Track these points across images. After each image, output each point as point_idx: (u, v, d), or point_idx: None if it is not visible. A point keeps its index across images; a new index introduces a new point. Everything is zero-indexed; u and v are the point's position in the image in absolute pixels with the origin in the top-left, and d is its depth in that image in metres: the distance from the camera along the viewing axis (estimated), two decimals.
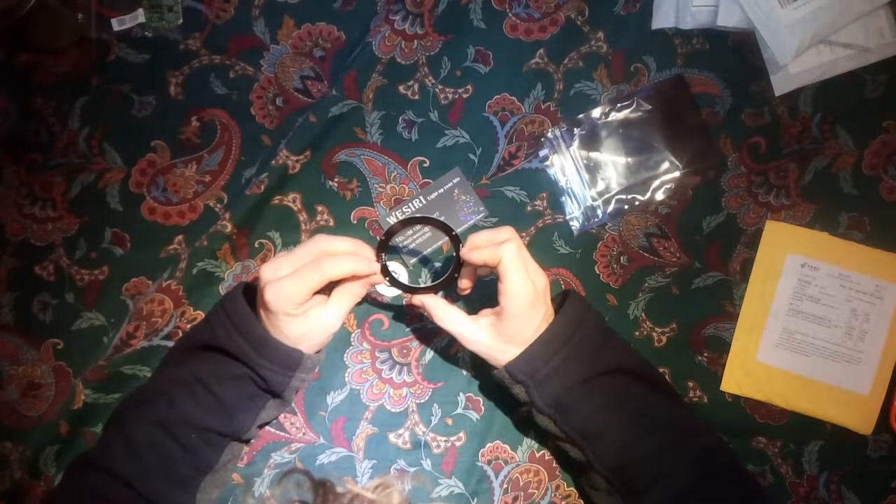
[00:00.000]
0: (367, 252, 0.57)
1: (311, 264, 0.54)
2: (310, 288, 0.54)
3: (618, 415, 0.56)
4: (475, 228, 0.67)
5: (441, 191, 0.68)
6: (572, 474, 0.65)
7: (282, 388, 0.56)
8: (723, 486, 0.55)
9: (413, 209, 0.67)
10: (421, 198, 0.68)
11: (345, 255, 0.55)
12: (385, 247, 0.57)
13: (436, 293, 0.59)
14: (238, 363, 0.55)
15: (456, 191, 0.68)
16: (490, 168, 0.68)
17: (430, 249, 0.67)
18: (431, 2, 0.69)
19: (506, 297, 0.55)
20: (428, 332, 0.66)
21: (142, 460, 0.53)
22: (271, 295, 0.53)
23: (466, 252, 0.57)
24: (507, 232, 0.57)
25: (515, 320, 0.55)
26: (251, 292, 0.58)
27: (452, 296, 0.64)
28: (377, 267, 0.56)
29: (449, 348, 0.66)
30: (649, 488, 0.55)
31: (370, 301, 0.66)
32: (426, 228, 0.67)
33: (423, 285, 0.59)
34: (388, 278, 0.58)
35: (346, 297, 0.57)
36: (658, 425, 0.56)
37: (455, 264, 0.58)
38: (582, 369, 0.56)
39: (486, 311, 0.59)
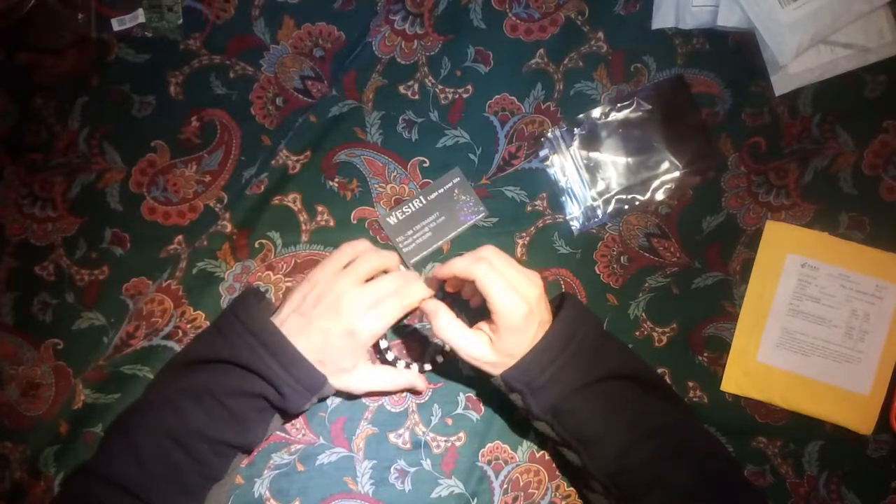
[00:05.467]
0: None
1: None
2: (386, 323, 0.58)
3: (615, 421, 0.55)
4: (475, 228, 0.67)
5: (441, 191, 0.68)
6: (571, 476, 0.65)
7: (297, 408, 0.56)
8: (719, 494, 0.55)
9: (413, 209, 0.67)
10: (421, 198, 0.68)
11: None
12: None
13: (418, 382, 0.63)
14: (255, 378, 0.55)
15: (456, 191, 0.68)
16: (490, 168, 0.68)
17: (430, 249, 0.67)
18: (431, 2, 0.69)
19: (497, 314, 0.55)
20: (428, 331, 0.66)
21: (150, 471, 0.53)
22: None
23: (439, 269, 0.58)
24: (484, 250, 0.57)
25: (512, 334, 0.55)
26: (251, 297, 0.59)
27: (457, 308, 0.64)
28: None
29: (448, 349, 0.66)
30: (645, 496, 0.54)
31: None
32: (426, 228, 0.67)
33: (409, 370, 0.63)
34: (378, 356, 0.62)
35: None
36: (655, 431, 0.56)
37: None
38: (579, 376, 0.55)
39: (482, 324, 0.58)
